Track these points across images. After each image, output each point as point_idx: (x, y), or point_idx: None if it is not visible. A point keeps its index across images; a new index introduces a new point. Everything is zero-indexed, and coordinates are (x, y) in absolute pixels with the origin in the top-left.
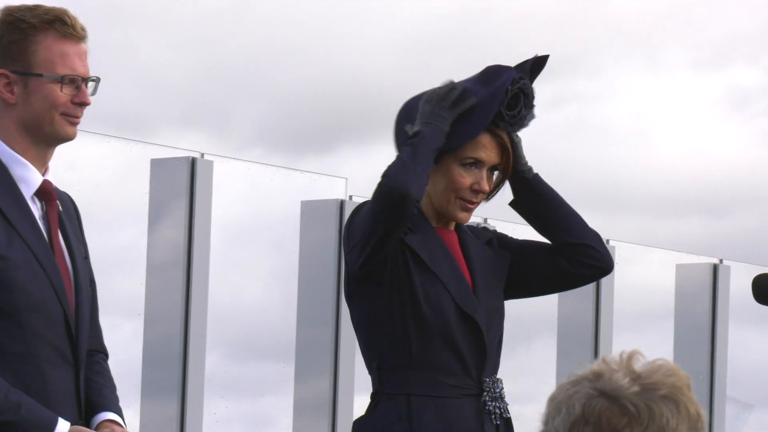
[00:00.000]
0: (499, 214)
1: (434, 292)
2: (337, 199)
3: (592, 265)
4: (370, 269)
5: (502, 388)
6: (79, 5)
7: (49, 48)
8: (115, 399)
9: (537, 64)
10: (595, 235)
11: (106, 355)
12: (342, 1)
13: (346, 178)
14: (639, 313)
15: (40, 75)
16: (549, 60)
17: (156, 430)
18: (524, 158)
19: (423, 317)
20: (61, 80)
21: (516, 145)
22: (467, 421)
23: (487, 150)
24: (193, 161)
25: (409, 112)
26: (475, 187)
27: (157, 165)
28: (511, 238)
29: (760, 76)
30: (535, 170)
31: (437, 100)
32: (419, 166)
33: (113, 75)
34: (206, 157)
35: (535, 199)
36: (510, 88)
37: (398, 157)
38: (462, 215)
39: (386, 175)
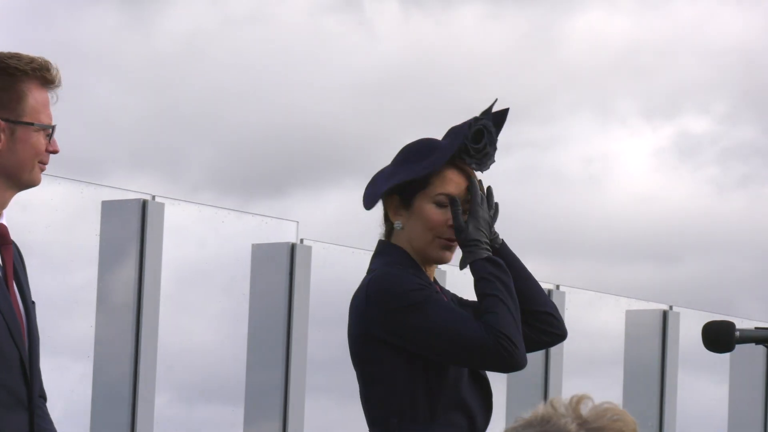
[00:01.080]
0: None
1: None
2: (288, 242)
3: (551, 333)
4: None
5: None
6: (30, 46)
7: (35, 97)
8: None
9: (498, 116)
10: (553, 304)
11: (44, 398)
12: (295, 47)
13: (298, 222)
14: (589, 359)
15: (31, 124)
16: (500, 105)
17: None
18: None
19: (445, 376)
20: (51, 130)
21: (496, 215)
22: None
23: (455, 185)
24: (144, 203)
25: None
26: (450, 222)
27: (108, 207)
28: (469, 301)
29: (709, 125)
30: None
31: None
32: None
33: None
34: (157, 199)
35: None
36: (472, 123)
37: (510, 312)
38: (445, 254)
39: (516, 347)
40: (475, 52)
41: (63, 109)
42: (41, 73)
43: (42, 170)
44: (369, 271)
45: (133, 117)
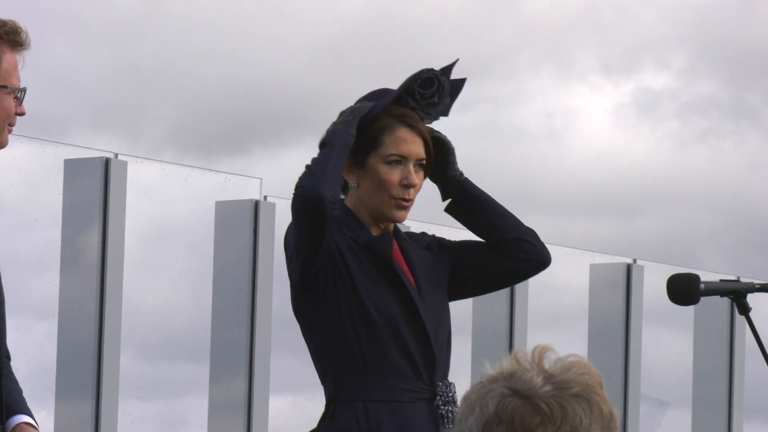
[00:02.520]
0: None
1: (381, 299)
2: (251, 200)
3: (529, 260)
4: (310, 278)
5: (455, 392)
6: None
7: (7, 60)
8: (25, 401)
9: (456, 84)
10: (530, 231)
11: (8, 357)
12: (255, 3)
13: (261, 179)
14: (553, 313)
15: (4, 87)
16: (462, 63)
17: (70, 431)
18: (456, 164)
19: (372, 322)
20: (22, 92)
21: (450, 151)
22: (422, 425)
23: (408, 144)
24: (107, 162)
25: None
26: (404, 182)
27: (70, 165)
28: (449, 241)
29: (669, 81)
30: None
31: (339, 116)
32: (329, 166)
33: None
34: (120, 157)
35: (469, 201)
36: (426, 71)
37: (306, 167)
38: (398, 213)
39: (298, 186)
40: (436, 8)
41: (24, 67)
42: (12, 37)
43: (9, 132)
44: None
45: (94, 75)
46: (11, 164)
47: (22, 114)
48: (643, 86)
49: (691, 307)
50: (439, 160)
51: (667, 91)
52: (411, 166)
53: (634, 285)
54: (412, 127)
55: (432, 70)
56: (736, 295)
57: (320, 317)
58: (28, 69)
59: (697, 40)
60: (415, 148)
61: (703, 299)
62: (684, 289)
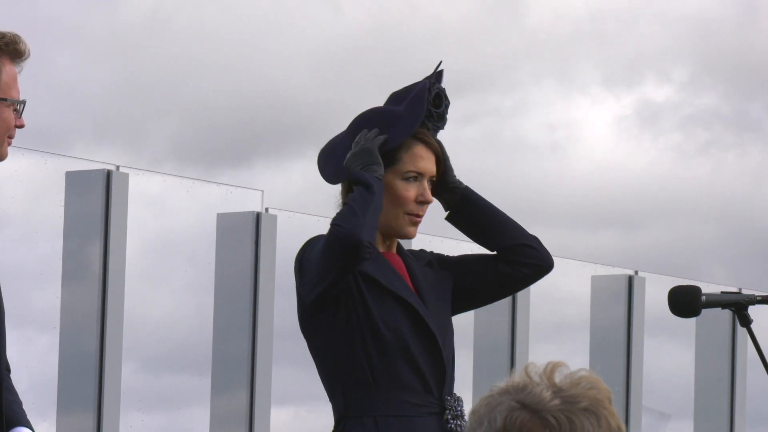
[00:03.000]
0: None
1: (389, 313)
2: (253, 212)
3: (532, 264)
4: (324, 303)
5: (463, 406)
6: None
7: (6, 72)
8: (25, 414)
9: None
10: (533, 237)
11: (8, 369)
12: (257, 16)
13: (263, 191)
14: (555, 325)
15: (4, 99)
16: (464, 75)
17: None
18: (453, 171)
19: (382, 338)
20: (21, 104)
21: (447, 157)
22: None
23: (424, 161)
24: (109, 174)
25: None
26: (420, 198)
27: (72, 177)
28: (448, 256)
29: (670, 93)
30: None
31: (362, 144)
32: (369, 211)
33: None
34: (122, 169)
35: (471, 208)
36: (429, 88)
37: (348, 206)
38: (411, 230)
39: (338, 224)
40: (438, 20)
41: (26, 79)
42: (12, 48)
43: (9, 144)
44: None
45: (97, 88)
46: (13, 176)
47: (21, 126)
48: (645, 98)
49: (693, 319)
50: (438, 168)
51: (669, 104)
52: (426, 183)
53: (635, 297)
54: (428, 144)
55: (436, 84)
56: (738, 307)
57: (330, 335)
58: (31, 82)
59: (699, 53)
60: (431, 164)
61: (704, 311)
62: (685, 301)
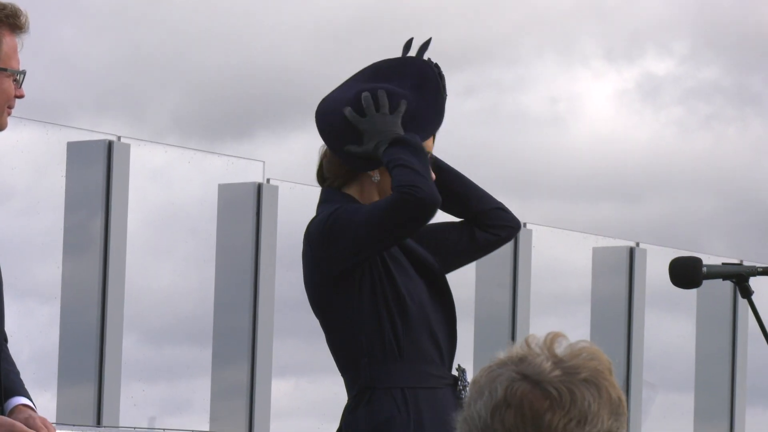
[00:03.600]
0: None
1: (412, 285)
2: (254, 183)
3: (507, 227)
4: (353, 271)
5: (467, 378)
6: None
7: (6, 43)
8: (23, 383)
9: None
10: (499, 202)
11: (5, 339)
12: None
13: (264, 162)
14: (556, 297)
15: (4, 69)
16: (465, 49)
17: (73, 413)
18: None
19: (408, 310)
20: (21, 75)
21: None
22: (451, 410)
23: (429, 142)
24: (110, 144)
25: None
26: None
27: (73, 148)
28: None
29: (672, 66)
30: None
31: (381, 111)
32: (428, 171)
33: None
34: (123, 140)
35: (445, 176)
36: (436, 71)
37: (409, 168)
38: None
39: (415, 186)
40: None
41: (28, 51)
42: (12, 20)
43: (9, 114)
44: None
45: (99, 60)
46: (14, 147)
47: (21, 97)
48: (647, 72)
49: (694, 291)
50: None
51: (670, 77)
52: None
53: (636, 268)
54: None
55: (434, 65)
56: (739, 278)
57: (355, 306)
58: (34, 54)
59: (699, 26)
60: (431, 143)
61: (705, 283)
62: (686, 273)
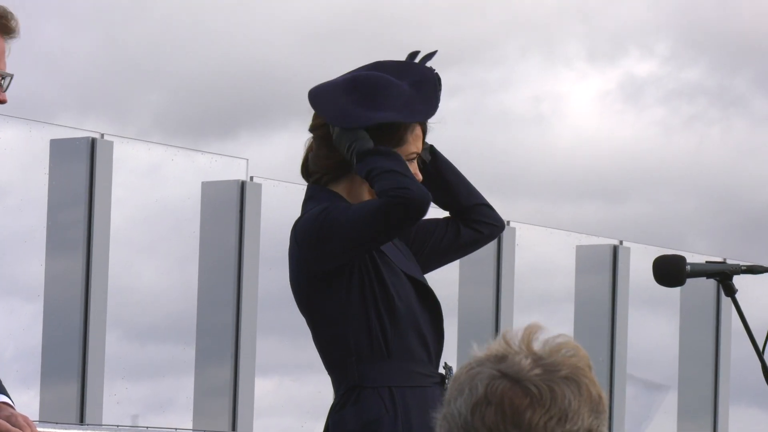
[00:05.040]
0: None
1: (400, 285)
2: (237, 180)
3: (491, 225)
4: (340, 271)
5: None
6: None
7: None
8: (0, 381)
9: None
10: (485, 200)
11: None
12: None
13: (247, 159)
14: (540, 295)
15: None
16: (450, 49)
17: (56, 411)
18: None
19: (396, 309)
20: (8, 78)
21: None
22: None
23: (420, 141)
24: (93, 142)
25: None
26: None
27: (56, 146)
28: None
29: (654, 67)
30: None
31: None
32: (410, 172)
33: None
34: (106, 137)
35: (439, 166)
36: (435, 74)
37: (394, 172)
38: None
39: (405, 188)
40: None
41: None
42: (2, 22)
43: None
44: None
45: (83, 59)
46: None
47: (2, 102)
48: (629, 72)
49: (678, 289)
50: None
51: (653, 78)
52: (415, 162)
53: (620, 266)
54: (423, 125)
55: (433, 69)
56: (723, 276)
57: (342, 305)
58: (16, 51)
59: (681, 27)
60: (421, 144)
61: (689, 281)
62: (670, 271)
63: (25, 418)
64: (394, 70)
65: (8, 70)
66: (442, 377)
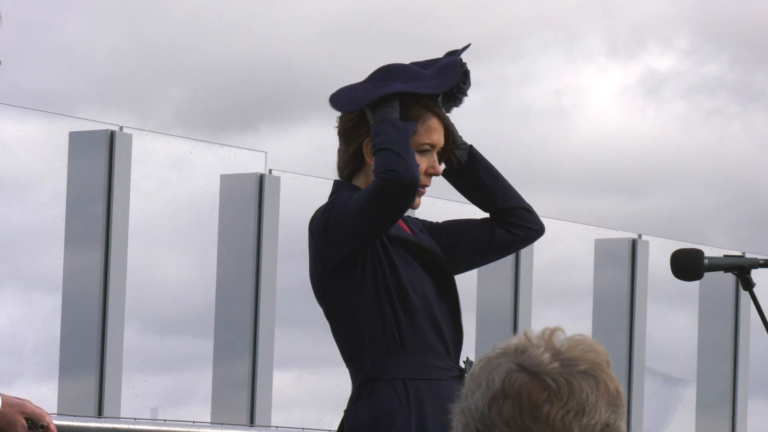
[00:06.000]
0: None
1: (416, 276)
2: (256, 173)
3: (527, 228)
4: (353, 261)
5: None
6: None
7: None
8: None
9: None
10: (527, 203)
11: None
12: None
13: (266, 152)
14: (558, 289)
15: None
16: (471, 43)
17: (75, 404)
18: (457, 131)
19: (410, 301)
20: None
21: (452, 124)
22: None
23: (437, 133)
24: (112, 134)
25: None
26: (430, 171)
27: (75, 138)
28: (436, 223)
29: (674, 62)
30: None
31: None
32: (410, 151)
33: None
34: (125, 130)
35: (477, 167)
36: (461, 63)
37: (387, 150)
38: (418, 200)
39: (391, 169)
40: None
41: (33, 42)
42: None
43: None
44: None
45: (103, 52)
46: (17, 138)
47: None
48: (649, 67)
49: (696, 283)
50: (446, 140)
51: (673, 73)
52: (435, 155)
53: (639, 260)
54: (441, 117)
55: (465, 63)
56: (741, 270)
57: (356, 296)
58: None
59: (701, 21)
60: (441, 137)
61: (707, 275)
62: (688, 265)
63: (40, 409)
64: (423, 64)
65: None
66: (461, 371)
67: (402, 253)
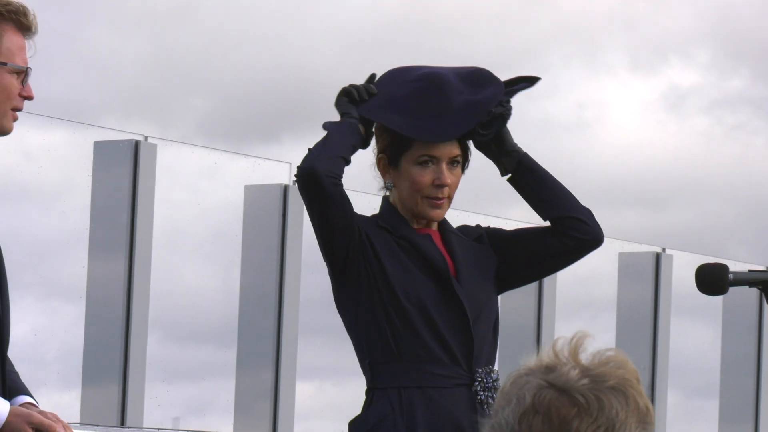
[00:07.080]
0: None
1: (413, 284)
2: (280, 184)
3: (576, 237)
4: (340, 268)
5: (497, 379)
6: None
7: (9, 39)
8: (24, 384)
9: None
10: (586, 210)
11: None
12: None
13: (290, 163)
14: (581, 302)
15: (4, 64)
16: (494, 57)
17: (97, 413)
18: (511, 136)
19: (403, 309)
20: (25, 72)
21: (507, 131)
22: (459, 410)
23: (438, 145)
24: (137, 144)
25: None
26: (437, 182)
27: (100, 148)
28: (503, 231)
29: (695, 77)
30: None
31: (340, 98)
32: (328, 145)
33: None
34: (150, 140)
35: (527, 175)
36: (493, 110)
37: (312, 148)
38: (433, 212)
39: (299, 165)
40: (471, 2)
41: (58, 52)
42: (17, 17)
43: (15, 118)
44: None
45: (128, 61)
46: (41, 147)
47: (29, 98)
48: (671, 82)
49: (720, 297)
50: (499, 133)
51: (695, 88)
52: (443, 166)
53: (663, 274)
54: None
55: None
56: (765, 285)
57: (359, 309)
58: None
59: (722, 36)
60: (447, 148)
61: (731, 289)
62: (712, 279)
63: (54, 416)
64: (470, 78)
65: (35, 66)
66: (473, 379)
67: (399, 260)
